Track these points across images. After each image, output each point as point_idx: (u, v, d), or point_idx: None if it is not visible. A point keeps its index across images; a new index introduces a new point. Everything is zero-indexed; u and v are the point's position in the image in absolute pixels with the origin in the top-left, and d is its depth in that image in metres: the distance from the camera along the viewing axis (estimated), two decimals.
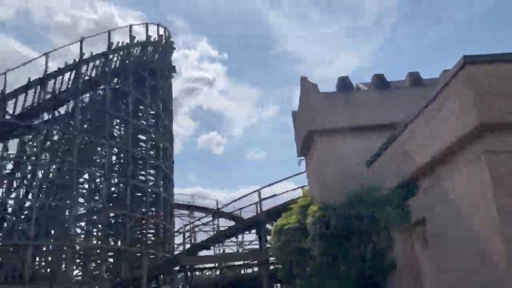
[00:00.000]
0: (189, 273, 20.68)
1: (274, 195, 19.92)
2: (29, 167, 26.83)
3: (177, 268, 20.92)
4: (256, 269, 25.04)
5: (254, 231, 21.89)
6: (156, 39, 37.11)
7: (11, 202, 26.21)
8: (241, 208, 26.79)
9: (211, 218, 51.45)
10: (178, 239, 32.79)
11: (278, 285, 25.35)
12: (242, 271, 26.20)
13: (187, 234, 22.74)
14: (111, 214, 29.32)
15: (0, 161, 25.87)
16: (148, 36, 35.68)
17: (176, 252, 29.39)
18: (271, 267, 19.04)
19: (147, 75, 34.07)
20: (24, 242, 23.50)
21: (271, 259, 18.38)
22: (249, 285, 21.05)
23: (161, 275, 20.99)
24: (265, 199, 19.45)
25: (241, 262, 24.99)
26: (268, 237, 18.37)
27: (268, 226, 19.03)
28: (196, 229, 24.41)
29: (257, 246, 38.18)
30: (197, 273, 24.98)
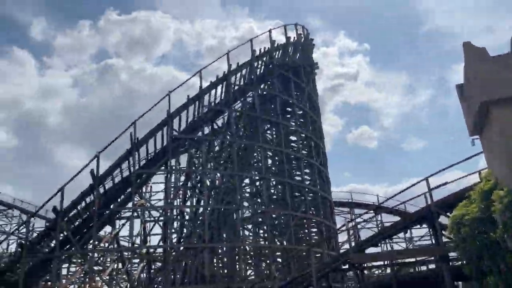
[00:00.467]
0: (358, 272, 19.72)
1: (445, 183, 17.63)
2: (198, 177, 29.36)
3: (345, 266, 20.18)
4: (431, 266, 22.81)
5: (424, 225, 19.75)
6: (295, 39, 37.30)
7: (187, 209, 28.98)
8: (404, 202, 24.78)
9: (372, 214, 49.37)
10: (340, 237, 32.19)
11: (460, 283, 22.60)
12: (415, 269, 24.04)
13: (351, 232, 21.83)
14: (274, 215, 30.22)
15: (175, 174, 28.97)
16: (287, 38, 36.08)
17: (341, 251, 28.72)
18: (453, 263, 16.91)
19: (291, 76, 34.43)
20: (201, 245, 25.67)
21: (452, 254, 16.28)
22: (426, 283, 19.01)
23: (330, 274, 20.47)
24: (434, 188, 17.32)
25: (413, 259, 23.00)
26: (444, 231, 16.43)
27: (440, 218, 16.96)
28: (359, 226, 23.38)
29: (428, 241, 35.14)
30: (365, 271, 23.76)
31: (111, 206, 26.55)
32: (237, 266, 27.86)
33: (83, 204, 25.29)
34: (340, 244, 32.49)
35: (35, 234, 27.92)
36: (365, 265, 20.61)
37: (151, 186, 36.92)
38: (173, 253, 26.58)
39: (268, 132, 34.44)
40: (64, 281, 24.43)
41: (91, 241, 25.17)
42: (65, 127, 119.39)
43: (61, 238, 24.56)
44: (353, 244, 19.22)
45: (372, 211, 47.92)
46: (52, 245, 25.09)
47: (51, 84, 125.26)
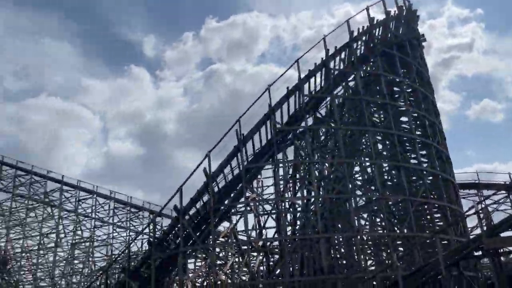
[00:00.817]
0: (494, 258, 17.48)
1: None
2: (306, 168, 28.99)
3: (478, 253, 18.06)
4: None
5: None
6: (396, 12, 34.72)
7: (298, 201, 28.80)
8: None
9: (505, 195, 43.89)
10: (469, 222, 29.18)
11: None
12: None
13: (482, 215, 19.48)
14: (390, 202, 28.51)
15: (283, 167, 28.99)
16: (387, 13, 33.71)
17: (471, 236, 25.95)
18: None
19: (395, 52, 32.11)
20: (316, 236, 25.25)
21: None
22: None
23: (460, 261, 18.50)
24: None
25: None
26: None
27: None
28: (490, 208, 20.81)
29: None
30: (502, 258, 21.09)
31: (225, 202, 27.52)
32: (356, 256, 26.84)
33: (201, 202, 26.57)
34: (469, 229, 29.36)
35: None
36: (501, 250, 18.20)
37: (262, 181, 37.76)
38: (289, 245, 26.58)
39: (375, 115, 32.58)
40: (190, 274, 26.05)
41: (210, 236, 26.40)
42: (180, 133, 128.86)
43: (184, 234, 26.15)
44: (485, 228, 17.08)
45: (504, 191, 42.75)
46: (177, 241, 26.87)
47: (165, 95, 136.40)
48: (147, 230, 36.35)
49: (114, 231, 51.94)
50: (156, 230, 29.20)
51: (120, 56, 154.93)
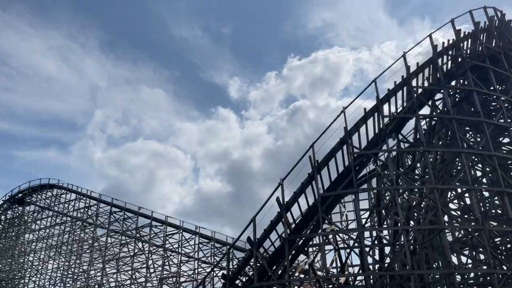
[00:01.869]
0: None
1: None
2: (389, 196, 26.32)
3: None
4: None
5: None
6: (486, 23, 31.39)
7: (384, 232, 26.07)
8: None
9: None
10: None
11: None
12: None
13: None
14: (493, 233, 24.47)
15: (368, 198, 26.73)
16: (475, 24, 30.58)
17: None
18: None
19: (488, 65, 28.70)
20: (405, 272, 22.31)
21: None
22: None
23: None
24: None
25: None
26: None
27: None
28: None
29: None
30: None
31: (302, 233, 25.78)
32: None
33: (276, 234, 25.18)
34: None
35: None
36: None
37: (346, 214, 35.34)
38: (375, 283, 23.84)
39: (470, 134, 28.98)
40: None
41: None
42: (266, 169, 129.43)
43: (259, 269, 24.80)
44: None
45: None
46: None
47: (250, 133, 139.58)
48: (223, 264, 35.61)
49: (199, 266, 52.09)
50: (232, 264, 28.18)
51: (208, 99, 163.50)
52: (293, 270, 25.31)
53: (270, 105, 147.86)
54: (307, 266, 25.60)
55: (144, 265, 53.35)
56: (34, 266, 58.05)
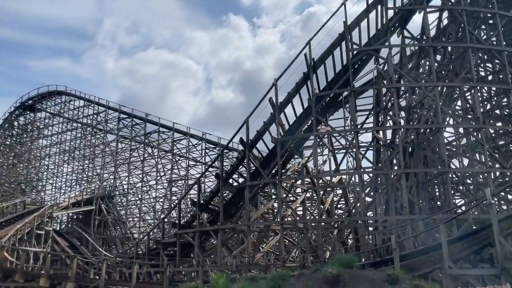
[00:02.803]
0: None
1: None
2: (389, 95, 25.16)
3: None
4: None
5: None
6: None
7: (380, 133, 25.38)
8: None
9: None
10: None
11: None
12: None
13: None
14: (492, 133, 23.55)
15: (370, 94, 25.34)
16: None
17: None
18: None
19: None
20: (398, 171, 22.06)
21: None
22: None
23: None
24: None
25: None
26: None
27: None
28: None
29: None
30: None
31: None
32: (446, 196, 23.01)
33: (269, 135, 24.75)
34: None
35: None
36: None
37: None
38: (367, 181, 23.80)
39: (483, 30, 26.71)
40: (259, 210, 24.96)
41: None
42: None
43: (252, 170, 24.87)
44: None
45: None
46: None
47: (263, 42, 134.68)
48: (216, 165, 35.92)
49: (207, 170, 53.37)
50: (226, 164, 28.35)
51: (220, 5, 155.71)
52: (286, 171, 25.27)
53: (284, 12, 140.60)
54: (298, 167, 25.52)
55: (154, 169, 54.93)
56: (50, 170, 60.46)
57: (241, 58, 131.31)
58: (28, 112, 65.32)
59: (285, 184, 25.50)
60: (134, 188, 55.34)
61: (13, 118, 65.08)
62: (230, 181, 25.78)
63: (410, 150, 24.12)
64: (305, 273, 11.83)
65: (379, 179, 25.59)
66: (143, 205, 55.14)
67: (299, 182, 25.38)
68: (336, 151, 26.34)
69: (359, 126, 24.72)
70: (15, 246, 28.07)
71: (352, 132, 23.33)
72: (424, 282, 12.76)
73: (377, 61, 25.32)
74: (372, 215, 25.68)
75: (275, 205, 25.20)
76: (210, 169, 37.56)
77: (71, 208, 43.32)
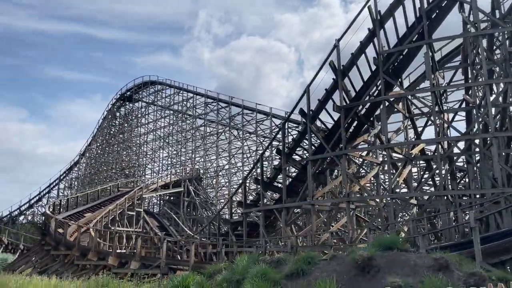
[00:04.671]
0: None
1: None
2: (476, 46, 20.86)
3: None
4: None
5: None
6: None
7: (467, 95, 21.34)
8: None
9: None
10: None
11: None
12: None
13: None
14: None
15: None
16: None
17: None
18: None
19: None
20: (487, 136, 18.17)
21: None
22: None
23: None
24: None
25: None
26: None
27: None
28: None
29: None
30: None
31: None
32: None
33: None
34: None
35: None
36: None
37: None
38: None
39: None
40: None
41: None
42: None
43: (317, 143, 22.77)
44: None
45: None
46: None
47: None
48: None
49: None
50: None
51: None
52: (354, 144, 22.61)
53: None
54: (372, 138, 22.62)
55: (240, 151, 55.19)
56: (148, 155, 64.35)
57: (333, 37, 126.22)
58: (127, 102, 70.13)
59: (356, 159, 22.94)
60: (224, 170, 56.33)
61: (115, 109, 70.42)
62: (295, 157, 23.93)
63: (501, 110, 19.83)
64: (338, 256, 9.79)
65: (473, 148, 21.66)
66: (231, 187, 55.75)
67: (371, 155, 22.54)
68: (416, 118, 22.88)
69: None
70: (98, 227, 29.62)
71: (432, 93, 19.75)
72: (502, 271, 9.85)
73: (461, 7, 21.15)
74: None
75: None
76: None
77: (160, 190, 45.30)
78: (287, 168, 24.04)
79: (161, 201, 53.52)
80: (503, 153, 18.61)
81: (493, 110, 18.28)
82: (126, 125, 69.55)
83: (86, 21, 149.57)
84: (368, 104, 22.06)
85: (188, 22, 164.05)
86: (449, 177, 21.91)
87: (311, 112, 22.16)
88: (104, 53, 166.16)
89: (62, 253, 25.21)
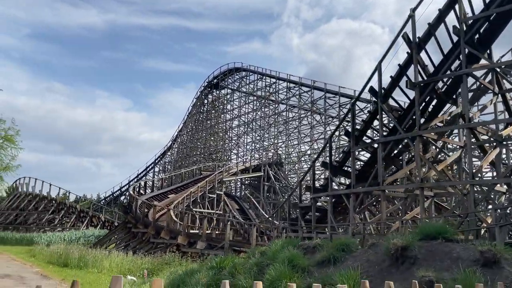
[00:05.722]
0: None
1: None
2: None
3: None
4: None
5: None
6: None
7: None
8: None
9: None
10: None
11: None
12: None
13: None
14: None
15: None
16: None
17: None
18: None
19: None
20: None
21: None
22: None
23: None
24: None
25: None
26: None
27: None
28: None
29: None
30: None
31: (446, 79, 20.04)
32: None
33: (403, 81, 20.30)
34: None
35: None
36: None
37: None
38: None
39: None
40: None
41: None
42: None
43: (390, 124, 21.02)
44: None
45: None
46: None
47: None
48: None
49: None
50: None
51: None
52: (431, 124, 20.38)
53: None
54: (448, 117, 20.16)
55: (322, 136, 53.99)
56: (233, 140, 65.91)
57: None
58: (214, 89, 72.33)
59: (438, 143, 20.69)
60: (306, 156, 55.52)
61: (203, 96, 73.09)
62: (366, 139, 22.37)
63: None
64: (377, 244, 8.73)
65: None
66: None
67: (453, 137, 20.15)
68: (509, 94, 19.89)
69: None
70: (176, 209, 30.92)
71: None
72: None
73: None
74: None
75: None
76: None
77: (239, 174, 46.05)
78: (356, 151, 22.59)
79: (243, 185, 54.52)
80: None
81: None
82: (213, 111, 71.87)
83: (182, 14, 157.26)
84: (450, 80, 19.67)
85: (277, 9, 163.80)
86: None
87: (383, 91, 20.44)
88: (198, 44, 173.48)
89: (140, 231, 26.81)
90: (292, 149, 58.63)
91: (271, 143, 60.99)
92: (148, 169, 73.01)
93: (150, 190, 39.72)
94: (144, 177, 72.55)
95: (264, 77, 62.53)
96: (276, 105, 60.67)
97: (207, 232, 22.79)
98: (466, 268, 6.55)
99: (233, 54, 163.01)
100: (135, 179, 71.97)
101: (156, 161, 74.18)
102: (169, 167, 73.04)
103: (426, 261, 7.09)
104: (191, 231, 25.34)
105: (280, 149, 59.28)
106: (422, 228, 8.22)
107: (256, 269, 9.14)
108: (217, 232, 26.98)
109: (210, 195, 40.85)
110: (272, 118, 60.85)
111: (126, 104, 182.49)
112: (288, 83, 58.77)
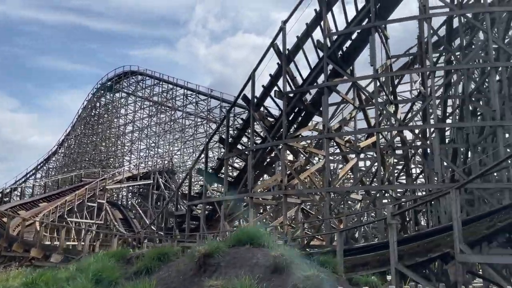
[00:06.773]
0: None
1: None
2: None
3: None
4: None
5: None
6: None
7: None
8: None
9: None
10: None
11: None
12: None
13: None
14: None
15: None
16: None
17: None
18: None
19: None
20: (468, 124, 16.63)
21: None
22: None
23: None
24: None
25: None
26: None
27: None
28: None
29: None
30: None
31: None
32: None
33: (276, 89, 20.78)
34: None
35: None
36: None
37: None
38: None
39: None
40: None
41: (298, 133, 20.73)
42: None
43: (261, 132, 21.30)
44: None
45: None
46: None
47: None
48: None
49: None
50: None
51: None
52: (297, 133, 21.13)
53: None
54: (320, 127, 21.13)
55: (217, 145, 53.78)
56: (126, 146, 62.90)
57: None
58: (108, 92, 68.55)
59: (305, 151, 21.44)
60: (201, 164, 54.91)
61: (95, 99, 68.85)
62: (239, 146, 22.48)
63: (458, 102, 18.35)
64: (190, 251, 8.36)
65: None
66: None
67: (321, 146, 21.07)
68: (368, 108, 21.40)
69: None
70: (46, 219, 28.22)
71: (375, 80, 18.20)
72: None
73: None
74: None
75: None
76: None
77: (126, 182, 43.85)
78: (231, 158, 22.56)
79: (131, 194, 52.11)
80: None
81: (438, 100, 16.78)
82: (105, 115, 68.05)
83: (82, 12, 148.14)
84: (315, 92, 20.56)
85: (184, 17, 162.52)
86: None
87: (255, 100, 20.68)
88: (100, 45, 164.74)
89: None
90: (188, 157, 57.72)
91: (166, 150, 59.40)
92: (28, 175, 66.42)
93: (19, 198, 35.88)
94: (23, 184, 65.91)
95: (161, 83, 60.87)
96: (173, 112, 59.35)
97: (66, 244, 20.97)
98: (260, 274, 6.42)
99: (138, 58, 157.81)
100: (12, 187, 65.06)
101: (38, 167, 67.87)
102: (53, 173, 67.28)
103: (227, 268, 6.87)
104: (47, 242, 23.35)
105: (176, 156, 58.00)
106: (237, 234, 8.06)
107: (66, 284, 8.19)
108: (75, 243, 25.14)
109: (90, 204, 38.15)
110: (168, 124, 59.38)
111: (12, 104, 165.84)
112: (185, 90, 57.91)
